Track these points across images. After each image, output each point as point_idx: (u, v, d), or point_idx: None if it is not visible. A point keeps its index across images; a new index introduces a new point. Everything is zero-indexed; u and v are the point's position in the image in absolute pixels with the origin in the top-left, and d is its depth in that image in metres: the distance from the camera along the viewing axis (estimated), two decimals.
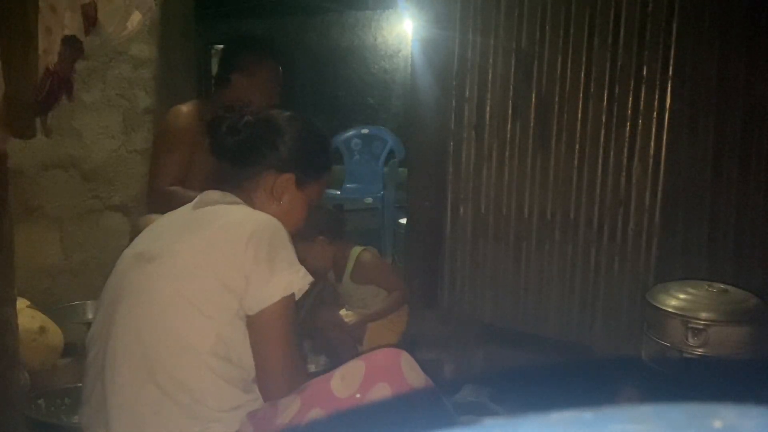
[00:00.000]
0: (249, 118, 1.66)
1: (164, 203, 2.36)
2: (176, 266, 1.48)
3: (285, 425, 1.50)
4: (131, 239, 2.21)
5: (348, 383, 1.47)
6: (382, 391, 1.46)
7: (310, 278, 1.50)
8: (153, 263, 1.49)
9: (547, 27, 2.81)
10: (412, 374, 1.51)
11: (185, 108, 2.69)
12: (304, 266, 1.51)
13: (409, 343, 2.58)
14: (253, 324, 1.46)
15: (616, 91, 2.68)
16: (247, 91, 2.65)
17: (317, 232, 2.58)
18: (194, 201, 1.63)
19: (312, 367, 2.38)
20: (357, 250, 2.72)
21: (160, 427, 1.42)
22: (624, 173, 2.70)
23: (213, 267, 1.46)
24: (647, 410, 0.38)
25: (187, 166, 2.59)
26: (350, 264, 2.70)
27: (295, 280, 1.47)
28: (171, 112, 2.71)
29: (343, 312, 2.59)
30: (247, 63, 2.68)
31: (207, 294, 1.45)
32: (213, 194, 1.62)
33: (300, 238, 2.57)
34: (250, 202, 1.62)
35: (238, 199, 1.61)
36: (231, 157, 1.65)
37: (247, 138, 1.64)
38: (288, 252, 1.50)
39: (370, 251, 2.74)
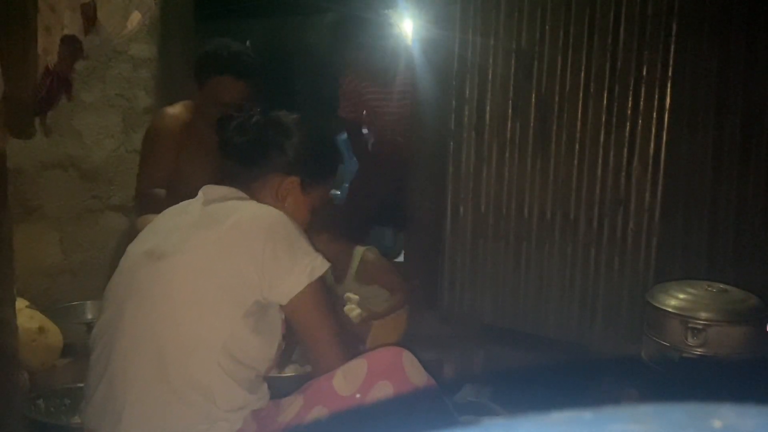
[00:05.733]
0: (258, 118, 1.66)
1: (149, 206, 2.36)
2: (190, 263, 1.48)
3: (287, 423, 1.51)
4: (129, 239, 2.20)
5: (350, 381, 1.49)
6: (384, 389, 1.47)
7: (327, 263, 1.56)
8: (164, 260, 1.49)
9: (547, 27, 2.81)
10: (414, 373, 1.52)
11: (171, 110, 2.68)
12: None
13: (408, 343, 2.57)
14: (291, 312, 1.52)
15: (616, 91, 2.68)
16: (198, 99, 2.63)
17: (320, 229, 2.56)
18: (199, 196, 1.62)
19: (309, 371, 2.37)
20: (360, 249, 2.70)
21: (168, 425, 1.43)
22: (624, 173, 2.69)
23: (229, 263, 1.47)
24: (647, 410, 0.38)
25: (173, 168, 2.58)
26: (354, 263, 2.68)
27: (316, 266, 1.53)
28: (157, 114, 2.70)
29: (347, 308, 2.55)
30: (196, 72, 2.64)
31: (221, 290, 1.46)
32: (219, 189, 1.62)
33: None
34: (255, 201, 1.62)
35: (245, 195, 1.61)
36: (238, 156, 1.65)
37: (255, 139, 1.64)
38: (303, 241, 1.55)
39: (372, 251, 2.72)
